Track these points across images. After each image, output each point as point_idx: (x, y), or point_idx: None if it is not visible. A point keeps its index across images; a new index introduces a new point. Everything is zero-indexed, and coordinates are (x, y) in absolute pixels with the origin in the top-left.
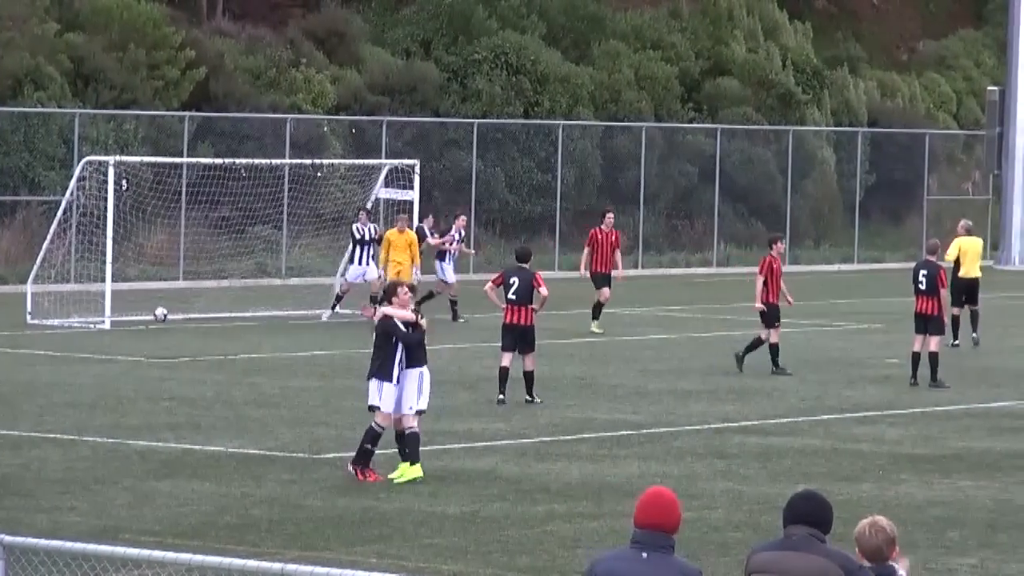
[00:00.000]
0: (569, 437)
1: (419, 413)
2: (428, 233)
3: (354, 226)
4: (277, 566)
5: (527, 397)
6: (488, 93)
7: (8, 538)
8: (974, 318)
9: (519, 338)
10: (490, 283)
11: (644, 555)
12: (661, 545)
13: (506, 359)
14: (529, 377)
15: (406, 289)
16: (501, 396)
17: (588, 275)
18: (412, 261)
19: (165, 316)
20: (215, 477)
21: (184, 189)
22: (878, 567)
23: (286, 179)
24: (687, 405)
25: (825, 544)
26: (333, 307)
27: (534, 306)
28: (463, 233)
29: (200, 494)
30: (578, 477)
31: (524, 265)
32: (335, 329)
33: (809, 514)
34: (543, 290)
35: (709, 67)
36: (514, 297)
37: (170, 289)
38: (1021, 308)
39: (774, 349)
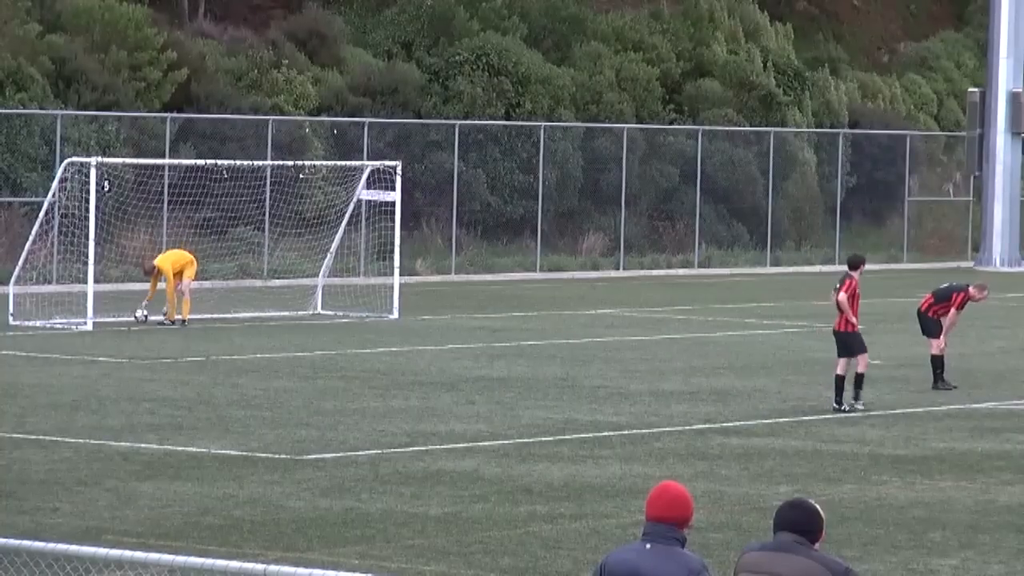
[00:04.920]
0: (550, 438)
1: None
2: None
3: None
4: (259, 567)
5: (851, 400)
6: (469, 94)
7: None
8: None
9: (840, 344)
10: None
11: (648, 546)
12: (666, 537)
13: (840, 366)
14: (857, 379)
15: None
16: (837, 404)
17: None
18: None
19: (146, 317)
20: (197, 478)
21: (166, 190)
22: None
23: (268, 180)
24: (668, 406)
25: (812, 550)
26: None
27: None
28: None
29: (182, 495)
30: (559, 478)
31: (852, 272)
32: (316, 330)
33: (795, 522)
34: (840, 295)
35: (690, 69)
36: None
37: None
38: (1002, 310)
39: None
